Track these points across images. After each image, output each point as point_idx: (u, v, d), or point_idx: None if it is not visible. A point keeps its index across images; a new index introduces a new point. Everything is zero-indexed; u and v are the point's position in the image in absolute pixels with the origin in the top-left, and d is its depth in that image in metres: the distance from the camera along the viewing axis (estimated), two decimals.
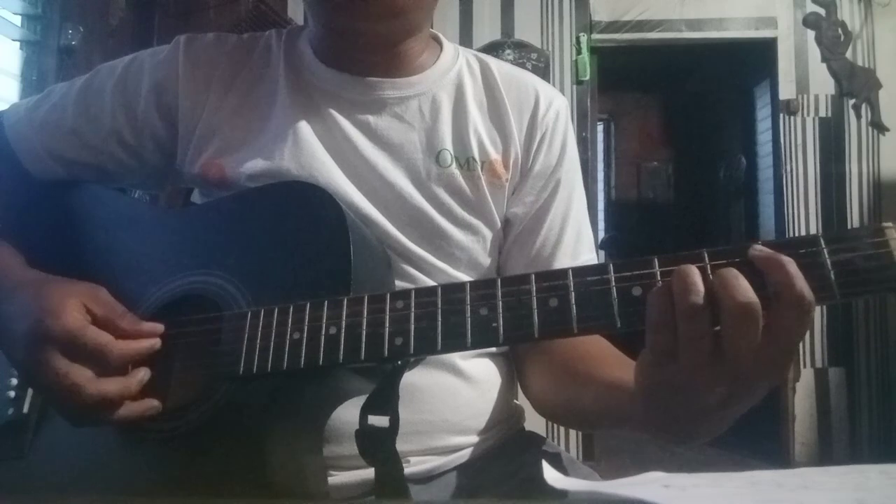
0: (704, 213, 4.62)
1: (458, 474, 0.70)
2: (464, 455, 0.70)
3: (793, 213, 2.94)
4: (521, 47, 2.98)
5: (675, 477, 0.37)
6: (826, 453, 2.86)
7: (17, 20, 2.28)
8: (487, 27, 3.00)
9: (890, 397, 2.89)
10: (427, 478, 0.68)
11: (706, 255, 0.44)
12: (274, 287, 0.57)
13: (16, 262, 0.68)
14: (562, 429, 2.84)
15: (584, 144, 2.95)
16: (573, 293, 0.46)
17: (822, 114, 2.97)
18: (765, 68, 3.17)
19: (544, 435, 0.79)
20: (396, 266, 0.69)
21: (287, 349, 0.52)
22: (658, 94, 5.04)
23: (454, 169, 0.72)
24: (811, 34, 2.99)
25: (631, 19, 2.99)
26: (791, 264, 0.41)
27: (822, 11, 2.99)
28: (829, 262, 0.41)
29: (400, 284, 0.68)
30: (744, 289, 0.41)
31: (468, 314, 0.48)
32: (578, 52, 2.98)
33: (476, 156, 0.73)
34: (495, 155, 0.74)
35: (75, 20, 2.37)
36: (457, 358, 0.70)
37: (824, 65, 2.98)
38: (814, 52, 2.99)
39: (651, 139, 5.13)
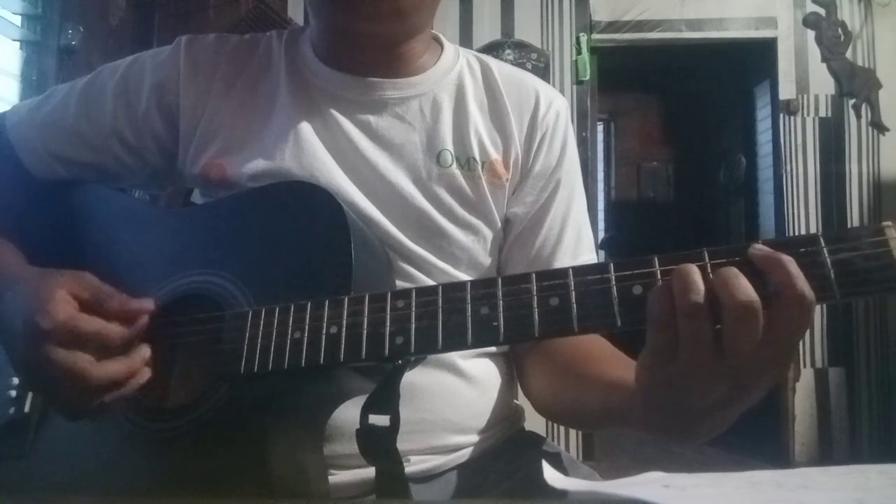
0: (704, 213, 4.61)
1: (458, 474, 0.70)
2: (464, 454, 0.70)
3: (793, 213, 2.94)
4: (521, 47, 2.98)
5: (675, 477, 0.37)
6: (826, 453, 2.87)
7: (17, 20, 2.28)
8: (487, 27, 3.00)
9: (890, 397, 2.89)
10: (427, 477, 0.68)
11: (706, 255, 0.44)
12: (275, 286, 0.57)
13: (15, 261, 0.68)
14: (562, 429, 2.84)
15: (584, 144, 2.95)
16: (574, 292, 0.46)
17: (822, 114, 2.97)
18: (765, 68, 3.17)
19: (544, 435, 0.79)
20: (397, 266, 0.69)
21: (288, 348, 0.52)
22: (658, 94, 5.03)
23: (455, 169, 0.72)
24: (811, 34, 2.99)
25: (631, 19, 2.99)
26: (791, 263, 0.41)
27: (822, 11, 2.99)
28: (828, 261, 0.41)
29: (401, 284, 0.68)
30: (744, 288, 0.41)
31: (469, 313, 0.48)
32: (578, 52, 2.98)
33: (476, 156, 0.73)
34: (496, 155, 0.74)
35: (75, 20, 2.37)
36: (457, 358, 0.70)
37: (824, 65, 2.98)
38: (814, 52, 2.99)
39: (651, 139, 5.13)
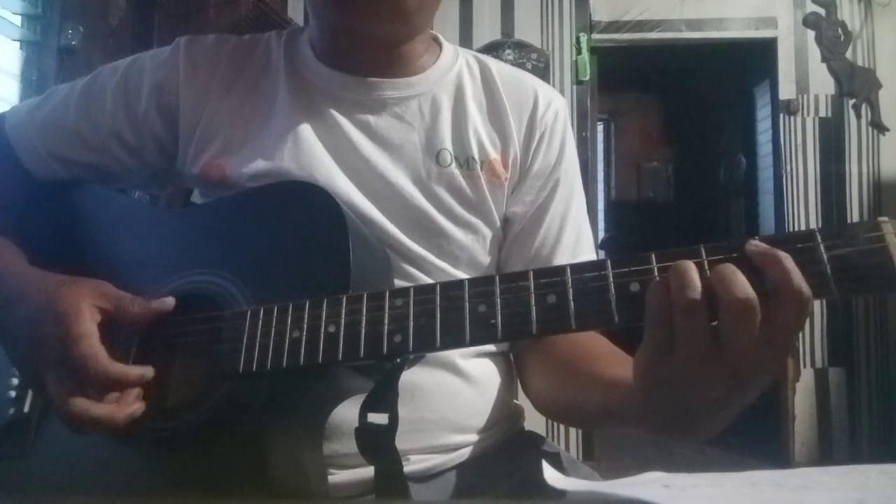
0: (704, 213, 4.61)
1: (458, 473, 0.70)
2: (463, 454, 0.70)
3: (793, 213, 2.94)
4: (521, 47, 2.98)
5: (675, 477, 0.37)
6: (826, 453, 2.86)
7: (17, 20, 2.28)
8: (487, 27, 3.00)
9: (890, 397, 2.89)
10: (427, 476, 0.68)
11: (703, 251, 0.44)
12: (274, 286, 0.57)
13: (20, 262, 0.68)
14: (562, 429, 2.84)
15: (584, 144, 2.95)
16: (571, 289, 0.46)
17: (822, 114, 2.97)
18: (765, 68, 3.17)
19: (544, 435, 0.79)
20: (397, 265, 0.69)
21: (287, 347, 0.52)
22: (658, 94, 5.03)
23: (454, 168, 0.72)
24: (811, 34, 2.99)
25: (631, 19, 2.99)
26: (788, 260, 0.41)
27: (822, 11, 2.99)
28: (825, 257, 0.41)
29: (400, 284, 0.67)
30: (741, 284, 0.41)
31: (467, 311, 0.48)
32: (578, 52, 2.98)
33: (475, 155, 0.73)
34: (494, 154, 0.74)
35: (75, 20, 2.37)
36: (457, 357, 0.70)
37: (824, 65, 2.98)
38: (814, 52, 2.99)
39: (651, 139, 5.13)
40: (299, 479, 0.55)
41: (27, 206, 0.77)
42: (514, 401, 0.80)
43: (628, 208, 5.02)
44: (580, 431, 2.86)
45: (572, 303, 0.46)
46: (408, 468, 0.65)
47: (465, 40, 2.95)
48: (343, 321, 0.51)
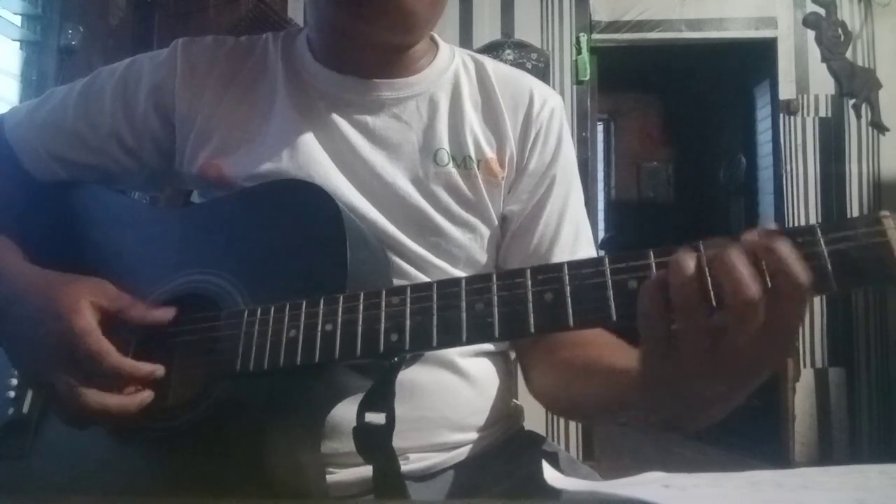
0: (704, 213, 4.62)
1: (457, 472, 0.70)
2: (463, 452, 0.70)
3: (793, 213, 2.94)
4: (521, 47, 2.98)
5: (675, 477, 0.37)
6: (826, 453, 2.86)
7: (17, 20, 2.28)
8: (487, 27, 3.00)
9: (890, 397, 2.89)
10: (427, 475, 0.68)
11: (702, 247, 0.43)
12: (271, 285, 0.57)
13: (19, 262, 0.68)
14: (562, 428, 2.84)
15: (584, 144, 2.95)
16: (569, 287, 0.45)
17: (822, 114, 2.97)
18: (765, 68, 3.17)
19: (544, 434, 0.79)
20: (395, 265, 0.69)
21: (283, 346, 0.52)
22: (658, 94, 5.04)
23: (451, 168, 0.72)
24: (811, 34, 2.99)
25: (631, 19, 2.99)
26: (785, 246, 0.40)
27: (822, 11, 2.99)
28: (825, 251, 0.40)
29: (399, 283, 0.67)
30: (744, 279, 0.40)
31: (463, 309, 0.48)
32: (578, 52, 2.98)
33: (472, 154, 0.73)
34: (491, 153, 0.74)
35: (75, 20, 2.37)
36: (456, 356, 0.70)
37: (824, 65, 2.98)
38: (814, 52, 2.99)
39: (651, 139, 5.13)
40: (298, 479, 0.55)
41: (27, 207, 0.77)
42: (514, 400, 0.80)
43: (628, 208, 5.02)
44: (580, 431, 2.86)
45: (570, 300, 0.45)
46: (407, 467, 0.65)
47: (465, 40, 2.95)
48: (340, 320, 0.51)
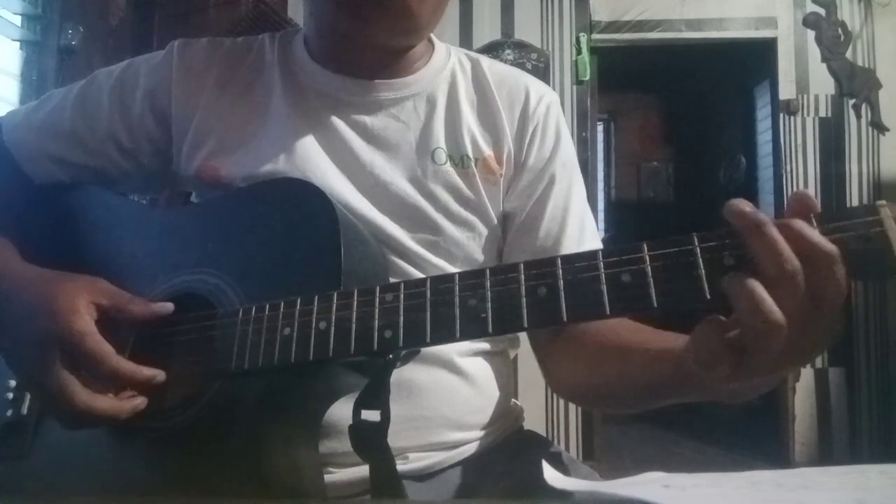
0: (704, 213, 4.60)
1: (457, 472, 0.70)
2: (462, 452, 0.70)
3: None
4: (521, 47, 2.98)
5: (675, 477, 0.37)
6: (826, 453, 2.87)
7: (17, 20, 2.28)
8: (487, 27, 3.00)
9: (890, 397, 2.89)
10: (426, 475, 0.68)
11: (696, 239, 0.43)
12: (266, 284, 0.57)
13: (16, 262, 0.68)
14: (562, 428, 2.84)
15: (584, 144, 2.95)
16: (562, 281, 0.45)
17: (822, 114, 2.97)
18: (765, 68, 3.17)
19: (544, 434, 0.79)
20: (394, 264, 0.69)
21: (278, 344, 0.52)
22: (658, 94, 5.03)
23: (449, 167, 0.72)
24: (811, 34, 2.99)
25: (631, 19, 2.99)
26: (795, 222, 0.39)
27: (822, 11, 2.99)
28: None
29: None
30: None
31: (456, 305, 0.47)
32: (578, 52, 2.98)
33: (470, 153, 0.73)
34: (488, 151, 0.75)
35: (75, 20, 2.37)
36: (454, 355, 0.70)
37: (824, 65, 2.98)
38: (814, 52, 2.99)
39: (651, 139, 5.13)
40: (295, 478, 0.55)
41: (25, 208, 0.77)
42: (514, 400, 0.80)
43: (628, 208, 5.02)
44: (580, 431, 2.86)
45: (563, 295, 0.45)
46: (407, 466, 0.65)
47: (465, 40, 2.95)
48: (333, 317, 0.51)
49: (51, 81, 2.28)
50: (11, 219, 0.75)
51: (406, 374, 0.64)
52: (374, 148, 0.72)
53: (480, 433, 0.72)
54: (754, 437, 3.10)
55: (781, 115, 2.99)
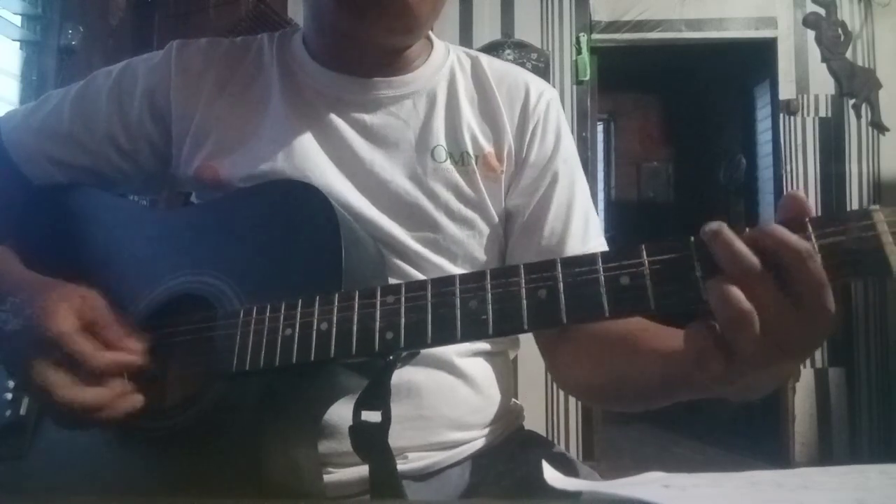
0: (704, 213, 4.59)
1: (457, 471, 0.70)
2: (462, 451, 0.70)
3: None
4: (521, 47, 2.98)
5: (675, 477, 0.37)
6: (826, 453, 2.87)
7: (17, 20, 2.28)
8: (487, 27, 3.00)
9: (890, 397, 2.89)
10: (426, 474, 0.68)
11: (692, 242, 0.44)
12: (267, 285, 0.57)
13: (13, 263, 0.68)
14: (562, 429, 2.84)
15: (584, 144, 2.95)
16: (562, 283, 0.46)
17: (822, 114, 2.98)
18: (765, 68, 3.17)
19: (544, 434, 0.79)
20: (392, 263, 0.69)
21: (279, 345, 0.52)
22: (658, 94, 5.03)
23: (449, 165, 0.72)
24: (811, 34, 2.99)
25: (631, 19, 2.99)
26: (778, 229, 0.41)
27: (822, 11, 2.99)
28: (816, 246, 0.41)
29: (396, 282, 0.68)
30: (740, 248, 0.41)
31: (458, 307, 0.48)
32: (578, 52, 2.98)
33: (470, 150, 0.73)
34: (489, 148, 0.74)
35: (75, 20, 2.37)
36: (454, 356, 0.70)
37: (824, 65, 2.98)
38: (814, 52, 2.99)
39: (651, 139, 5.13)
40: (295, 478, 0.55)
41: (23, 210, 0.77)
42: (514, 399, 0.80)
43: (628, 208, 5.02)
44: (580, 431, 2.86)
45: (563, 297, 0.45)
46: (406, 466, 0.65)
47: (465, 40, 2.95)
48: (335, 319, 0.51)
49: (51, 81, 2.28)
50: (10, 220, 0.75)
51: (405, 375, 0.64)
52: (373, 146, 0.72)
53: (480, 433, 0.72)
54: (754, 437, 3.10)
55: (781, 115, 2.99)
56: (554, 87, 0.82)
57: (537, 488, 0.58)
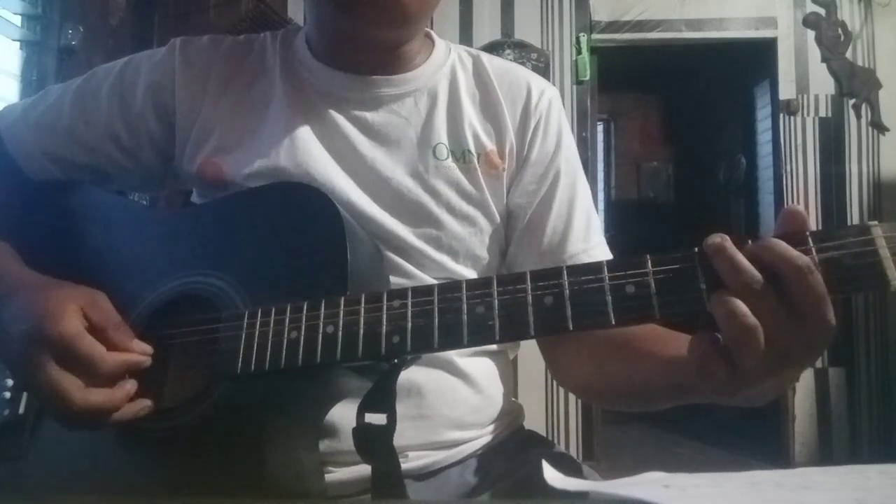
0: (704, 213, 4.61)
1: (457, 470, 0.70)
2: (462, 451, 0.70)
3: None
4: (521, 47, 2.98)
5: (675, 477, 0.37)
6: (826, 453, 2.87)
7: (17, 20, 2.28)
8: (487, 27, 3.00)
9: (890, 397, 2.89)
10: (426, 473, 0.68)
11: (696, 256, 0.45)
12: (271, 287, 0.57)
13: (14, 262, 0.68)
14: (562, 429, 2.84)
15: (584, 144, 2.95)
16: (568, 291, 0.46)
17: (822, 114, 2.97)
18: (765, 68, 3.17)
19: (544, 434, 0.79)
20: (394, 262, 0.69)
21: (285, 348, 0.52)
22: (658, 94, 5.03)
23: (450, 162, 0.73)
24: (811, 34, 2.99)
25: (631, 19, 2.99)
26: (778, 244, 0.42)
27: (822, 11, 2.99)
28: (816, 260, 0.42)
29: (399, 279, 0.68)
30: (742, 263, 0.43)
31: (464, 312, 0.48)
32: (578, 52, 2.98)
33: (472, 148, 0.74)
34: (490, 146, 0.75)
35: (75, 20, 2.37)
36: (454, 356, 0.70)
37: (824, 65, 2.98)
38: (814, 52, 2.99)
39: (651, 139, 5.13)
40: (296, 478, 0.55)
41: (22, 207, 0.77)
42: (513, 399, 0.80)
43: (628, 208, 5.02)
44: (580, 431, 2.86)
45: (569, 304, 0.46)
46: (406, 465, 0.65)
47: (465, 40, 2.95)
48: (341, 322, 0.51)
49: (51, 81, 2.28)
50: (9, 218, 0.75)
51: (406, 374, 0.64)
52: (375, 143, 0.72)
53: (480, 432, 0.72)
54: (754, 437, 3.10)
55: (781, 115, 2.99)
56: (554, 87, 0.82)
57: (537, 488, 0.58)
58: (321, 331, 0.51)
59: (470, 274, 0.73)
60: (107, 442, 0.58)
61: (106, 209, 0.74)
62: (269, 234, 0.61)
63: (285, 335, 0.53)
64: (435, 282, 0.58)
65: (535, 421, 0.81)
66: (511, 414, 0.78)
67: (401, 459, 0.59)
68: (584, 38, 2.98)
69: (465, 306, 0.48)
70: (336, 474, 0.63)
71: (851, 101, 2.96)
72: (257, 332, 0.54)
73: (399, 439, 0.53)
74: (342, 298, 0.52)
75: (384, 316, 0.50)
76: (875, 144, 2.96)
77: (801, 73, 2.99)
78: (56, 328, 0.54)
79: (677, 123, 5.03)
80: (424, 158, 0.72)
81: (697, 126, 4.84)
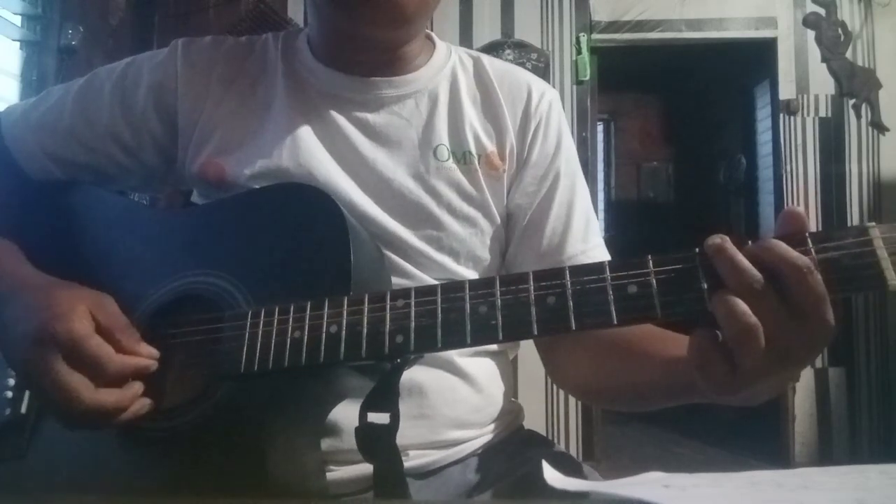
0: (704, 213, 4.61)
1: (457, 469, 0.70)
2: (463, 450, 0.71)
3: None
4: (521, 47, 2.98)
5: (675, 477, 0.37)
6: (826, 453, 2.86)
7: (17, 20, 2.28)
8: (487, 27, 3.00)
9: (890, 397, 2.89)
10: (426, 472, 0.68)
11: (698, 256, 0.45)
12: (274, 287, 0.57)
13: (18, 262, 0.68)
14: (561, 428, 2.84)
15: (584, 144, 2.95)
16: (570, 290, 0.47)
17: (822, 114, 2.97)
18: (765, 68, 3.17)
19: (544, 434, 0.79)
20: (395, 262, 0.69)
21: (288, 348, 0.52)
22: (658, 94, 5.04)
23: (451, 163, 0.73)
24: (811, 34, 2.99)
25: (631, 19, 2.99)
26: (778, 245, 0.43)
27: (822, 11, 2.99)
28: (815, 260, 0.43)
29: (400, 280, 0.68)
30: (742, 263, 0.43)
31: (467, 312, 0.49)
32: (578, 52, 2.98)
33: (472, 149, 0.74)
34: (491, 147, 0.75)
35: (75, 20, 2.37)
36: (454, 356, 0.70)
37: (824, 65, 2.98)
38: (814, 52, 2.99)
39: (651, 139, 5.13)
40: (297, 477, 0.55)
41: (24, 207, 0.77)
42: (513, 399, 0.80)
43: (628, 208, 5.02)
44: (580, 431, 2.86)
45: (571, 304, 0.46)
46: (407, 464, 0.65)
47: (465, 40, 2.95)
48: (345, 322, 0.51)
49: (51, 81, 2.28)
50: (11, 218, 0.75)
51: (407, 374, 0.64)
52: (376, 145, 0.72)
53: (481, 432, 0.73)
54: (754, 437, 3.10)
55: (781, 115, 2.99)
56: (554, 87, 0.83)
57: (537, 487, 0.58)
58: (325, 330, 0.51)
59: (471, 275, 0.73)
60: (107, 442, 0.58)
61: (108, 209, 0.74)
62: (272, 234, 0.61)
63: (289, 335, 0.53)
64: (437, 282, 0.58)
65: (535, 421, 0.82)
66: (511, 414, 0.78)
67: (402, 458, 0.60)
68: (584, 38, 2.98)
69: (468, 306, 0.49)
70: (337, 473, 0.63)
71: (851, 101, 2.96)
72: (260, 332, 0.54)
73: (400, 438, 0.53)
74: (345, 298, 0.52)
75: (388, 315, 0.50)
76: (875, 144, 2.96)
77: (801, 73, 2.99)
78: (65, 328, 0.54)
79: (677, 123, 5.03)
80: (425, 159, 0.72)
81: (697, 126, 4.85)
